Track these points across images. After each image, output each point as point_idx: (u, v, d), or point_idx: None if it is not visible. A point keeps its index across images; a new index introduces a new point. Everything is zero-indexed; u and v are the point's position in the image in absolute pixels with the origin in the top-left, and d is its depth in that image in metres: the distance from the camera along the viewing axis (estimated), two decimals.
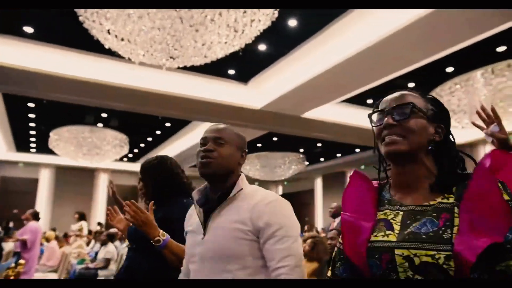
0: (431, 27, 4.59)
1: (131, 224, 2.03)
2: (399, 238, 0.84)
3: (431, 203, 0.87)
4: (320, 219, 15.07)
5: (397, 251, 0.83)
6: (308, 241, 3.19)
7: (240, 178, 1.30)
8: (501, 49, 5.67)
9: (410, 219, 0.87)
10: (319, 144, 11.60)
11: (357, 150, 12.30)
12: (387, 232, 0.88)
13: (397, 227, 0.87)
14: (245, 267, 1.15)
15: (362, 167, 13.58)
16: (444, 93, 6.24)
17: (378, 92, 7.04)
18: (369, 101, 7.86)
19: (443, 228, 0.80)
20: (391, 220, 0.90)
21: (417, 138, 0.90)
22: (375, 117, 0.99)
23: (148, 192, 1.96)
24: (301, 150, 12.43)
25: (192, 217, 1.37)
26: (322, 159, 14.16)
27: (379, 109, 0.97)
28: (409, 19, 4.52)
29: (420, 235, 0.81)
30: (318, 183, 15.86)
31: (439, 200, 0.87)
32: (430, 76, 6.33)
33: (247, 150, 1.37)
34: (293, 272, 1.11)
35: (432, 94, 1.02)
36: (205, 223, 1.24)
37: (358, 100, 7.65)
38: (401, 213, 0.90)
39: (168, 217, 1.74)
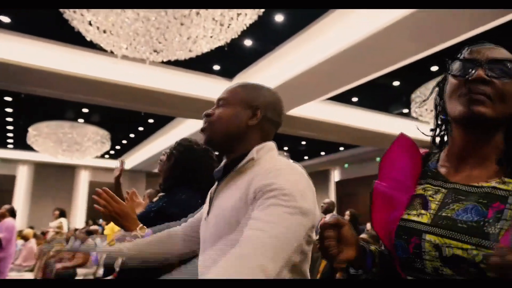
0: (416, 25, 4.60)
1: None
2: (433, 222, 0.72)
3: (484, 184, 0.72)
4: None
5: (427, 236, 0.71)
6: None
7: (258, 147, 0.99)
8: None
9: (452, 200, 0.73)
10: (303, 142, 11.61)
11: (341, 148, 12.37)
12: (421, 211, 0.75)
13: (434, 207, 0.74)
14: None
15: (346, 165, 13.68)
16: (429, 92, 6.29)
17: (363, 91, 7.07)
18: (354, 99, 7.89)
19: (490, 221, 0.66)
20: (429, 198, 0.77)
21: (507, 107, 0.74)
22: (457, 65, 0.79)
23: (163, 170, 1.79)
24: (286, 148, 12.42)
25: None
26: (306, 157, 14.19)
27: (467, 57, 0.78)
28: (394, 18, 4.51)
29: (458, 222, 0.68)
30: None
31: (494, 183, 0.71)
32: (415, 75, 6.37)
33: (262, 108, 1.03)
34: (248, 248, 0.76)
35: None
36: (211, 201, 1.04)
37: (343, 98, 7.66)
38: (443, 191, 0.76)
39: (161, 210, 1.59)
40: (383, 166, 0.87)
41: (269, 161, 0.96)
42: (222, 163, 1.08)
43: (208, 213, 1.03)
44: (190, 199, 1.62)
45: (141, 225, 1.37)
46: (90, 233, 6.13)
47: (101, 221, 10.34)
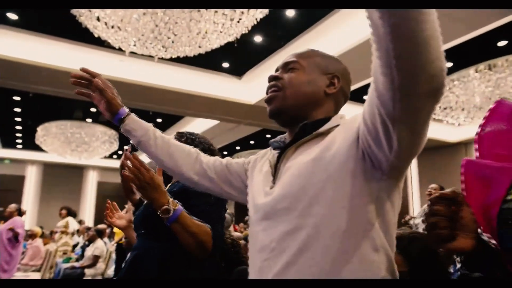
0: None
1: (131, 222, 1.76)
2: None
3: None
4: None
5: None
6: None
7: (340, 114, 0.91)
8: (502, 43, 5.57)
9: None
10: None
11: None
12: None
13: None
14: (335, 209, 0.74)
15: None
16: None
17: None
18: (365, 97, 7.73)
19: None
20: None
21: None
22: None
23: None
24: None
25: (257, 167, 1.02)
26: None
27: None
28: None
29: None
30: None
31: None
32: None
33: (339, 77, 0.94)
34: None
35: None
36: (276, 169, 0.89)
37: (353, 96, 7.49)
38: None
39: (185, 188, 1.36)
40: (483, 138, 0.75)
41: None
42: (283, 135, 0.98)
43: (274, 182, 0.88)
44: None
45: (172, 199, 1.22)
46: (99, 232, 6.06)
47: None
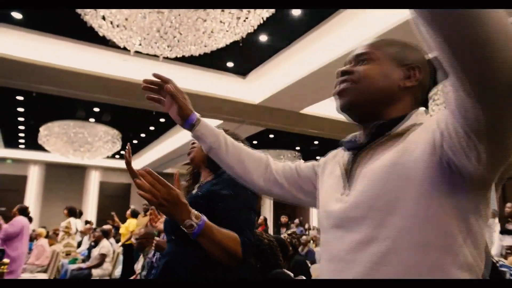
0: None
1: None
2: None
3: None
4: (314, 218, 14.93)
5: None
6: None
7: (417, 112, 0.82)
8: None
9: None
10: (315, 142, 11.43)
11: None
12: None
13: None
14: (415, 221, 0.68)
15: None
16: (447, 90, 6.10)
17: None
18: None
19: None
20: None
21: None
22: None
23: (199, 160, 1.50)
24: (297, 148, 12.26)
25: (327, 170, 0.94)
26: (318, 158, 13.96)
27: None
28: (409, 14, 4.34)
29: None
30: None
31: None
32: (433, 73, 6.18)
33: (419, 68, 0.85)
34: None
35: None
36: (350, 172, 0.82)
37: None
38: None
39: (213, 194, 1.31)
40: None
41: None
42: (356, 133, 0.91)
43: (346, 188, 0.81)
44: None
45: (195, 211, 1.12)
46: (105, 232, 6.04)
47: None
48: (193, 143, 1.53)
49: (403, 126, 0.79)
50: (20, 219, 4.75)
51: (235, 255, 1.19)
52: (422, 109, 0.84)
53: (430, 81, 0.87)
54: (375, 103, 0.83)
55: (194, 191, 1.48)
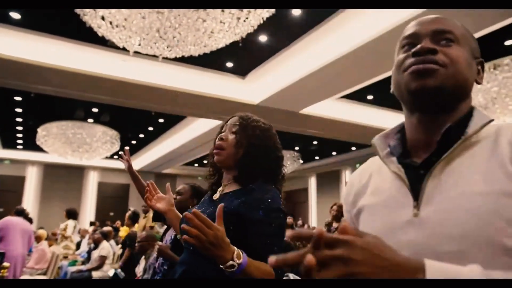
0: None
1: (173, 206, 1.51)
2: None
3: None
4: (314, 218, 14.92)
5: None
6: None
7: (480, 110, 0.72)
8: (509, 42, 5.53)
9: None
10: (315, 142, 11.42)
11: (353, 148, 12.16)
12: None
13: None
14: None
15: (358, 165, 13.46)
16: None
17: (379, 88, 6.87)
18: (370, 97, 7.69)
19: None
20: None
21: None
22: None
23: (229, 161, 1.29)
24: (297, 148, 12.25)
25: (370, 181, 0.78)
26: (317, 158, 13.99)
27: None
28: (412, 12, 4.34)
29: None
30: (312, 182, 15.71)
31: None
32: None
33: (483, 66, 0.76)
34: None
35: None
36: (416, 188, 0.67)
37: (358, 96, 7.47)
38: None
39: (246, 212, 1.16)
40: None
41: (495, 125, 0.67)
42: (417, 133, 0.74)
43: (417, 209, 0.66)
44: (278, 198, 1.23)
45: (236, 250, 1.01)
46: (104, 234, 6.01)
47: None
48: (221, 138, 1.31)
49: (475, 126, 0.67)
50: (7, 219, 4.66)
51: None
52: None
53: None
54: (457, 95, 0.71)
55: (216, 197, 1.33)
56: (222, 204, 1.05)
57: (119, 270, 4.66)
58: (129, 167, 2.41)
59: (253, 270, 1.04)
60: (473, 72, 0.73)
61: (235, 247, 1.02)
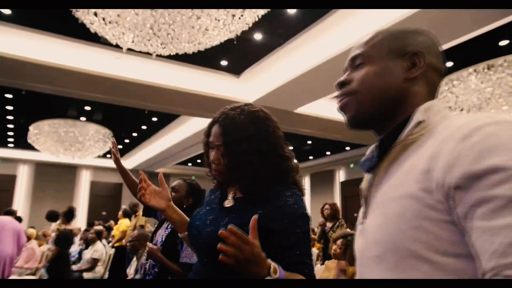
0: (429, 20, 4.41)
1: (170, 200, 1.35)
2: None
3: None
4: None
5: None
6: (339, 241, 2.62)
7: (423, 107, 0.71)
8: (504, 43, 5.55)
9: None
10: (309, 142, 11.41)
11: (347, 148, 12.18)
12: None
13: None
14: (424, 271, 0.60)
15: (352, 165, 13.49)
16: (442, 89, 6.11)
17: None
18: None
19: None
20: None
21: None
22: None
23: (231, 167, 1.14)
24: (291, 148, 12.21)
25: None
26: (311, 157, 13.99)
27: None
28: (406, 12, 4.33)
29: None
30: (306, 182, 15.71)
31: None
32: None
33: (423, 52, 0.76)
34: None
35: None
36: (366, 201, 0.75)
37: None
38: None
39: (266, 225, 1.04)
40: None
41: (450, 120, 0.66)
42: (372, 146, 0.80)
43: (364, 217, 0.74)
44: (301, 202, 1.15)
45: (272, 264, 0.94)
46: (98, 233, 5.93)
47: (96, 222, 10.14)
48: (215, 144, 1.18)
49: (409, 128, 0.70)
50: None
51: None
52: (430, 103, 0.73)
53: (442, 62, 0.79)
54: (383, 107, 0.74)
55: (228, 204, 1.20)
56: (256, 216, 0.95)
57: (43, 270, 4.52)
58: (117, 160, 2.31)
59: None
60: (396, 74, 0.74)
61: (270, 261, 0.94)
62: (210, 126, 1.24)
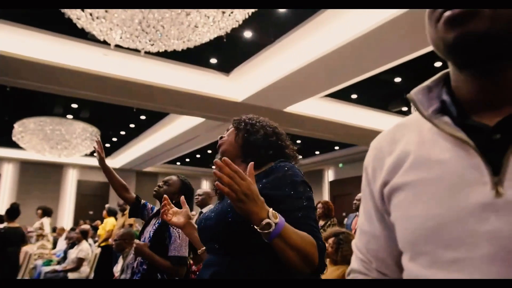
0: (419, 19, 4.42)
1: (190, 218, 1.44)
2: None
3: None
4: None
5: None
6: (330, 240, 2.46)
7: None
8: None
9: None
10: (298, 141, 11.42)
11: (336, 147, 12.22)
12: None
13: None
14: None
15: (341, 165, 13.55)
16: None
17: (364, 87, 6.90)
18: (354, 96, 7.72)
19: None
20: None
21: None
22: None
23: (232, 148, 1.30)
24: None
25: (408, 150, 0.57)
26: (300, 157, 13.98)
27: None
28: (396, 12, 4.35)
29: None
30: None
31: None
32: (418, 71, 6.22)
33: None
34: None
35: None
36: (494, 160, 0.47)
37: (342, 95, 7.49)
38: None
39: (270, 193, 1.09)
40: None
41: None
42: (475, 87, 0.53)
43: (500, 186, 0.46)
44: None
45: (271, 209, 0.97)
46: (84, 232, 5.83)
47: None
48: (221, 136, 1.37)
49: None
50: None
51: (312, 260, 1.04)
52: None
53: None
54: None
55: None
56: (252, 162, 1.03)
57: None
58: (101, 160, 2.33)
59: (292, 234, 0.99)
60: None
61: (270, 208, 0.98)
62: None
